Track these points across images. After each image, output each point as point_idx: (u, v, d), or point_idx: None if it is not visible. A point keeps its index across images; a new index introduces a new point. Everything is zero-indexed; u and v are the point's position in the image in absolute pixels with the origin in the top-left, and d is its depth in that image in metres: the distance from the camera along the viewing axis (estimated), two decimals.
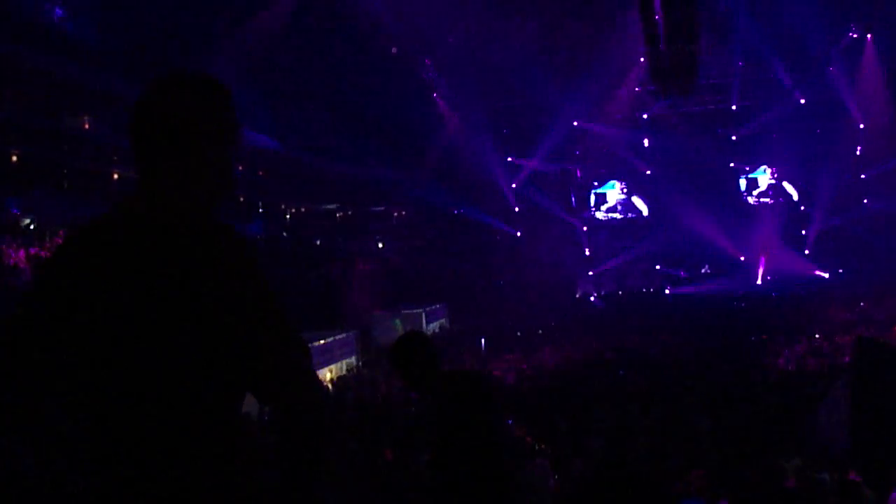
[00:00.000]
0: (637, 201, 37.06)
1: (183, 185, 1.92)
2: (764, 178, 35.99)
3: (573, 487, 8.93)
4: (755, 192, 36.12)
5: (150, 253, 1.87)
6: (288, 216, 34.66)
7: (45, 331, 1.81)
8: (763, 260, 34.02)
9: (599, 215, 37.29)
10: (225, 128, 1.96)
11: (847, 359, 15.80)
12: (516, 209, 35.81)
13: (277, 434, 2.10)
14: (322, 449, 2.04)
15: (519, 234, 35.96)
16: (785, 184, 35.76)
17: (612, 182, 37.10)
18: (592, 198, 37.44)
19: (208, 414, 1.91)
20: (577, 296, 34.89)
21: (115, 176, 23.32)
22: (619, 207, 37.22)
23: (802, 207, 34.80)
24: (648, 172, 35.81)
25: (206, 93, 1.96)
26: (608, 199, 37.33)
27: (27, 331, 1.82)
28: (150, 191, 1.92)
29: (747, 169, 36.01)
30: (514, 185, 35.70)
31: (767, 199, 35.83)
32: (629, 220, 37.06)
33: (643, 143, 34.80)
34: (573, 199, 37.21)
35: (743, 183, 36.29)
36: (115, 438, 1.83)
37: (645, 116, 33.96)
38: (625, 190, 37.02)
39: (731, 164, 35.52)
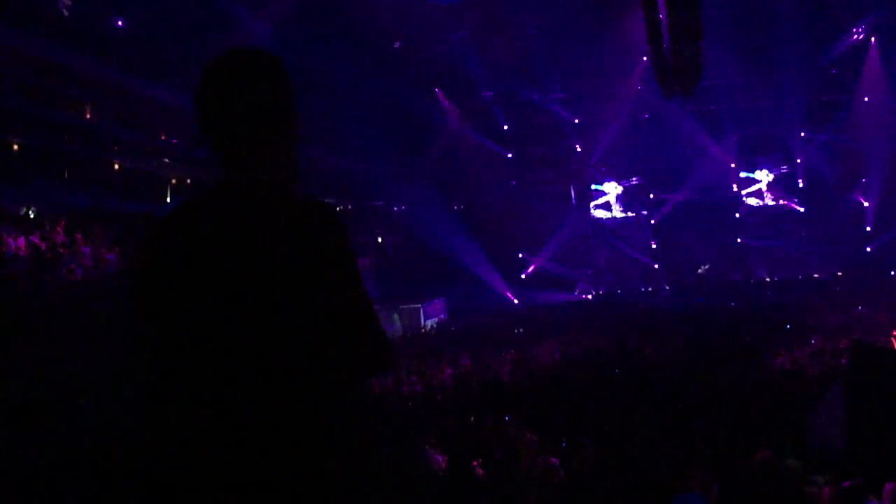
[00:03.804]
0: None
1: (272, 161, 1.94)
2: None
3: (571, 482, 8.95)
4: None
5: (246, 231, 1.85)
6: None
7: (157, 323, 1.86)
8: None
9: (599, 213, 37.28)
10: (294, 103, 1.99)
11: (843, 361, 15.82)
12: (516, 203, 35.83)
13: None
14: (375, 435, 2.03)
15: (519, 230, 35.96)
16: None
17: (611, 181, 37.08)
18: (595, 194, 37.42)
19: (312, 392, 1.88)
20: (576, 293, 34.91)
21: (116, 166, 23.29)
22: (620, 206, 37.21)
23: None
24: (636, 181, 36.03)
25: (281, 69, 1.98)
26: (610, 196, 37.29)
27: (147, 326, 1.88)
28: (240, 170, 1.94)
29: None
30: (513, 182, 35.77)
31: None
32: (629, 218, 37.06)
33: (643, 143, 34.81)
34: (573, 194, 37.21)
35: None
36: (208, 413, 1.81)
37: (646, 116, 33.99)
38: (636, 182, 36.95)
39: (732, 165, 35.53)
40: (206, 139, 1.96)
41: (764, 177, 35.40)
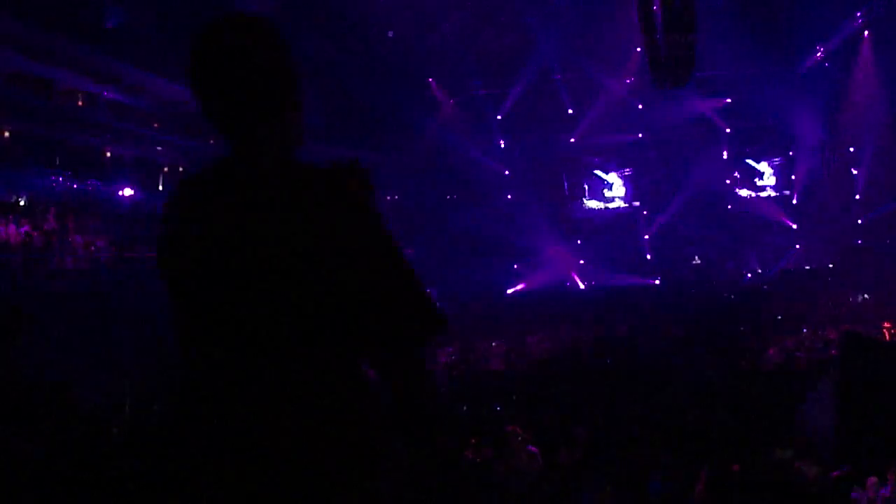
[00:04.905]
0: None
1: (278, 131, 1.88)
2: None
3: (559, 474, 8.99)
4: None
5: (254, 202, 1.76)
6: None
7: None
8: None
9: (593, 204, 37.26)
10: (295, 68, 1.91)
11: (834, 352, 15.89)
12: (508, 196, 35.75)
13: (391, 384, 1.87)
14: (435, 404, 1.89)
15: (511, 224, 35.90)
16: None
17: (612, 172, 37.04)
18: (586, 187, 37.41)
19: (318, 361, 1.78)
20: (567, 284, 34.89)
21: (108, 154, 23.20)
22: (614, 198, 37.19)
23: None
24: (629, 172, 36.10)
25: (278, 34, 1.88)
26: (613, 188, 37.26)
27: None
28: (245, 142, 1.85)
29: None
30: (507, 173, 35.71)
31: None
32: (619, 210, 37.04)
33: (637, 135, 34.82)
34: (566, 185, 37.17)
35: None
36: (215, 376, 1.77)
37: (640, 107, 33.95)
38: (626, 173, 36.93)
39: (725, 156, 35.54)
40: (207, 113, 1.87)
41: (766, 168, 35.46)
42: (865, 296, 26.85)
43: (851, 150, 32.72)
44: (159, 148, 24.61)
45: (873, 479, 7.99)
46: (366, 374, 1.89)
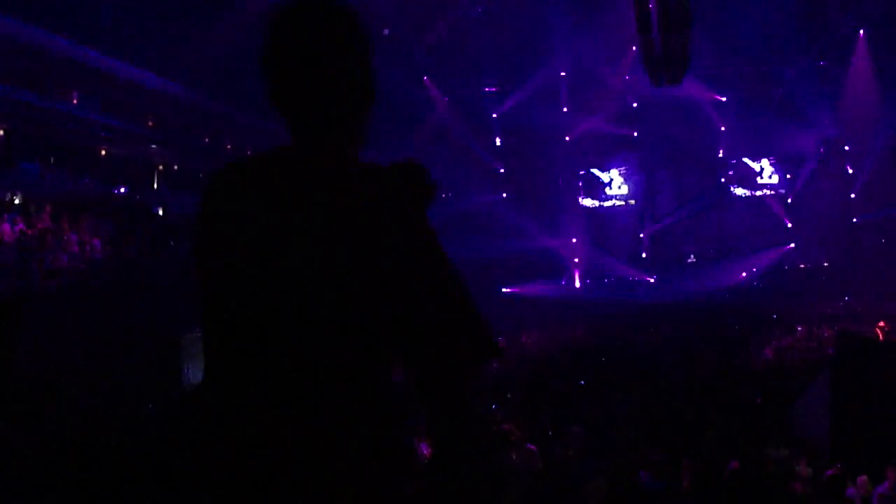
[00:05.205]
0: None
1: (346, 125, 1.80)
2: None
3: (555, 473, 8.99)
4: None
5: (314, 197, 1.66)
6: None
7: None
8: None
9: (588, 202, 37.29)
10: (372, 61, 1.84)
11: (829, 351, 15.93)
12: (504, 194, 35.78)
13: (429, 404, 1.72)
14: (478, 429, 1.71)
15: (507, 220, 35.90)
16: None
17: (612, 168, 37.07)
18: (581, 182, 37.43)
19: (352, 369, 1.65)
20: (563, 283, 34.91)
21: (103, 152, 23.17)
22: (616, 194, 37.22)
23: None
24: (625, 169, 36.14)
25: (362, 23, 1.79)
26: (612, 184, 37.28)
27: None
28: (311, 130, 1.76)
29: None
30: (501, 171, 35.74)
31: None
32: (615, 208, 37.07)
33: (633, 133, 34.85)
34: (560, 182, 37.20)
35: None
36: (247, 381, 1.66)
37: (634, 105, 34.00)
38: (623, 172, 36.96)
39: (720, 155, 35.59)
40: (279, 94, 1.77)
41: (767, 167, 35.51)
42: (860, 295, 26.89)
43: (847, 148, 32.78)
44: (154, 146, 24.57)
45: (863, 478, 8.02)
46: (397, 390, 1.76)
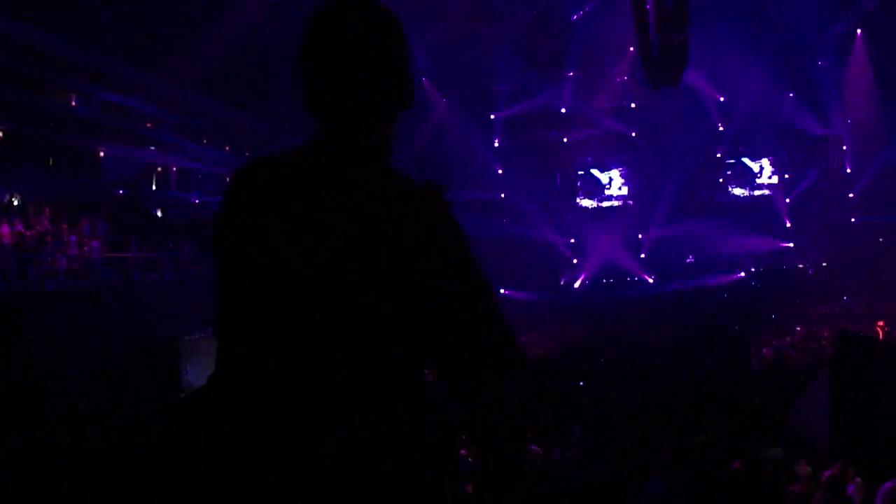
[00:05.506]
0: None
1: (381, 130, 1.77)
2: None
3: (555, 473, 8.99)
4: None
5: (346, 200, 1.62)
6: None
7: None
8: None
9: (587, 203, 37.31)
10: (409, 68, 1.80)
11: (829, 351, 15.93)
12: (502, 195, 35.79)
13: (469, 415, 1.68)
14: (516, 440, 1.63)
15: (506, 220, 35.90)
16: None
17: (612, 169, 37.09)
18: (579, 182, 37.45)
19: (380, 375, 1.62)
20: (562, 283, 34.93)
21: (101, 154, 23.14)
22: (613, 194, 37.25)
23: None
24: (623, 170, 36.20)
25: (401, 28, 1.76)
26: (611, 185, 37.30)
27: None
28: (338, 133, 1.73)
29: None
30: (500, 171, 35.75)
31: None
32: (613, 208, 37.09)
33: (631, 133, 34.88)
34: (558, 183, 37.21)
35: None
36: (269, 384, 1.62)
37: (633, 105, 34.03)
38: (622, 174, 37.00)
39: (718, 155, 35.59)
40: (312, 94, 1.75)
41: (767, 166, 35.53)
42: (859, 295, 26.90)
43: (845, 147, 32.81)
44: (153, 148, 24.56)
45: (858, 481, 8.02)
46: (426, 396, 1.73)
